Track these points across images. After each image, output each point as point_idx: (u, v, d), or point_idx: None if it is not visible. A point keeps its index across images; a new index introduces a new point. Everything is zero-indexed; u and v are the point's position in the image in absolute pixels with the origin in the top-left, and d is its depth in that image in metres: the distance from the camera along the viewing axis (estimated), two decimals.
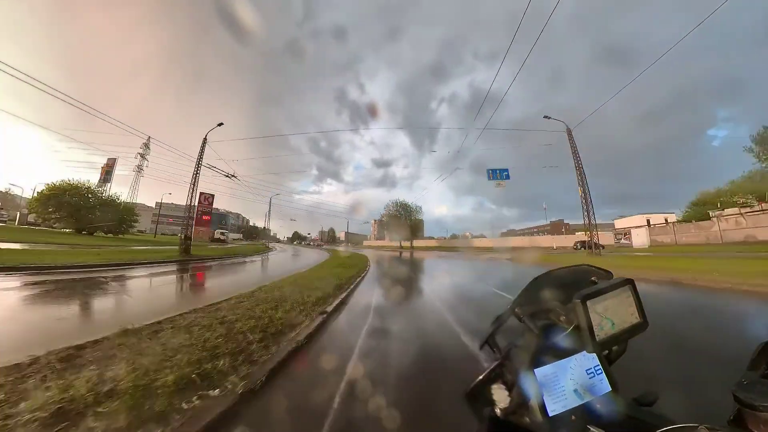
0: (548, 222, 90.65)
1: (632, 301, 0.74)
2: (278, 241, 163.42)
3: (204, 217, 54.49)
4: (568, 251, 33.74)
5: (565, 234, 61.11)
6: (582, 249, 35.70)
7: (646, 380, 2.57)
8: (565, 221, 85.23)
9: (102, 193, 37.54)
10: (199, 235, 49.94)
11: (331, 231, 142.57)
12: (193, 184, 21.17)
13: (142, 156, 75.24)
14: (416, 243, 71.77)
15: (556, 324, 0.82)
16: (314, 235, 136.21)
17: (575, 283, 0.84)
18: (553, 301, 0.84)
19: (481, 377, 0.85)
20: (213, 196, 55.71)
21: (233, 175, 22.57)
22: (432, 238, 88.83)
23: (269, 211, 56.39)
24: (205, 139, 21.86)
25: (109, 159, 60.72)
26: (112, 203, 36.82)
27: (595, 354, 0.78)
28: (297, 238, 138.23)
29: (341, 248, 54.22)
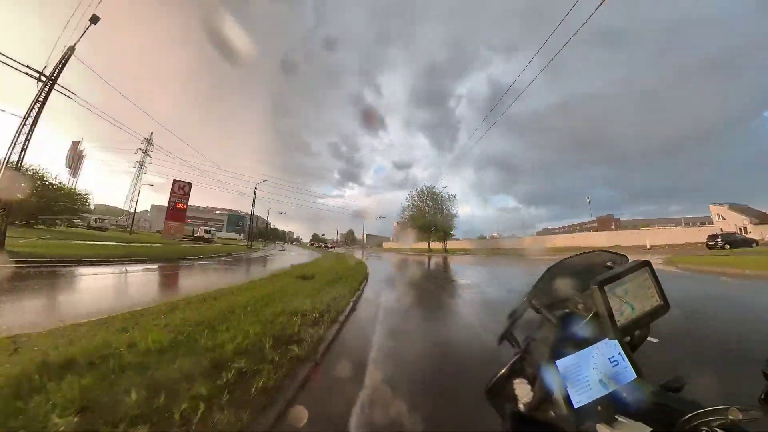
0: (594, 218, 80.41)
1: (651, 283, 0.71)
2: (297, 242, 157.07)
3: (178, 205, 42.18)
4: (703, 251, 20.41)
5: (616, 230, 47.18)
6: (728, 246, 22.35)
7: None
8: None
9: (44, 178, 29.21)
10: (170, 231, 39.69)
11: (350, 233, 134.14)
12: (33, 116, 11.00)
13: (145, 152, 69.74)
14: (449, 245, 55.69)
15: (574, 313, 0.78)
16: (337, 237, 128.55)
17: (590, 270, 0.81)
18: (570, 290, 0.80)
19: (501, 372, 0.81)
20: (190, 185, 45.16)
21: (41, 74, 12.00)
22: (456, 238, 76.28)
23: (254, 199, 43.22)
24: (72, 48, 11.90)
25: (74, 142, 52.97)
26: (52, 189, 28.42)
27: (617, 341, 0.75)
28: (316, 240, 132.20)
29: (356, 252, 44.01)
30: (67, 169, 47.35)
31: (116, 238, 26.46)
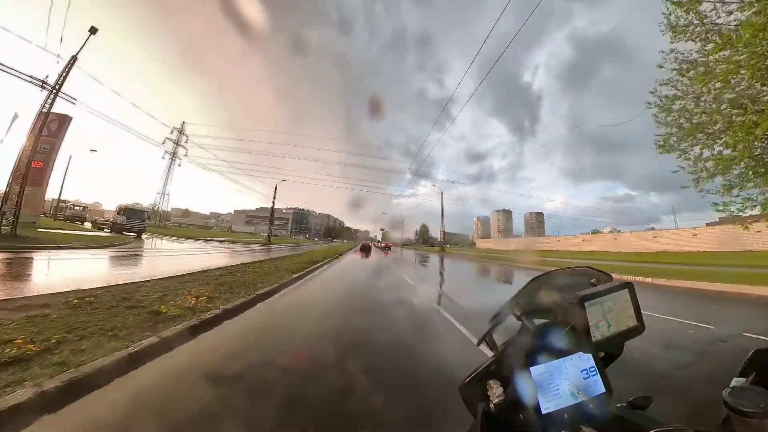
0: None
1: (630, 304, 0.75)
2: (352, 239, 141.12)
3: (35, 164, 24.39)
4: None
5: None
6: None
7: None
8: None
9: None
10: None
11: (424, 228, 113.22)
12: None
13: (177, 143, 61.89)
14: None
15: (553, 324, 0.82)
16: (403, 233, 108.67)
17: (574, 285, 0.84)
18: (552, 301, 0.84)
19: (475, 372, 0.83)
20: (65, 120, 23.03)
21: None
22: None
23: (275, 195, 34.12)
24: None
25: None
26: None
27: (590, 355, 0.78)
28: (385, 239, 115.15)
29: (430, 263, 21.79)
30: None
31: None
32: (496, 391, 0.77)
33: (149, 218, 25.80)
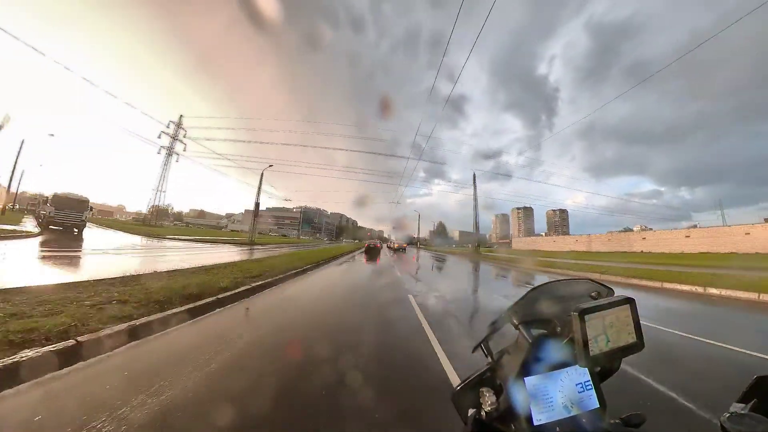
0: None
1: (630, 320, 0.74)
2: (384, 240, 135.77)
3: None
4: None
5: None
6: None
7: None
8: None
9: None
10: None
11: (441, 226, 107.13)
12: None
13: (174, 137, 58.34)
14: None
15: (551, 335, 0.81)
16: (418, 233, 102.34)
17: (575, 297, 0.84)
18: (551, 313, 0.83)
19: (469, 379, 0.84)
20: None
21: None
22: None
23: (260, 187, 30.38)
24: None
25: None
26: None
27: (586, 369, 0.78)
28: (398, 237, 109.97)
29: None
30: None
31: None
32: (488, 399, 0.76)
33: (91, 210, 20.57)
